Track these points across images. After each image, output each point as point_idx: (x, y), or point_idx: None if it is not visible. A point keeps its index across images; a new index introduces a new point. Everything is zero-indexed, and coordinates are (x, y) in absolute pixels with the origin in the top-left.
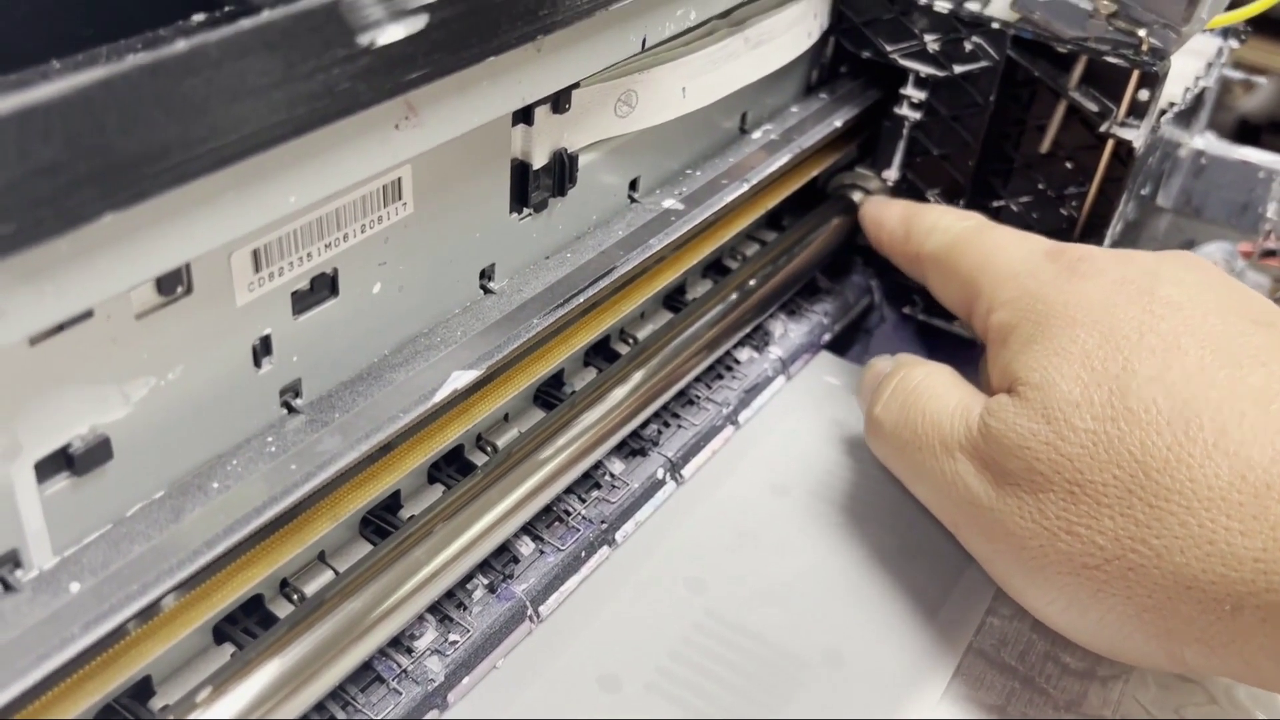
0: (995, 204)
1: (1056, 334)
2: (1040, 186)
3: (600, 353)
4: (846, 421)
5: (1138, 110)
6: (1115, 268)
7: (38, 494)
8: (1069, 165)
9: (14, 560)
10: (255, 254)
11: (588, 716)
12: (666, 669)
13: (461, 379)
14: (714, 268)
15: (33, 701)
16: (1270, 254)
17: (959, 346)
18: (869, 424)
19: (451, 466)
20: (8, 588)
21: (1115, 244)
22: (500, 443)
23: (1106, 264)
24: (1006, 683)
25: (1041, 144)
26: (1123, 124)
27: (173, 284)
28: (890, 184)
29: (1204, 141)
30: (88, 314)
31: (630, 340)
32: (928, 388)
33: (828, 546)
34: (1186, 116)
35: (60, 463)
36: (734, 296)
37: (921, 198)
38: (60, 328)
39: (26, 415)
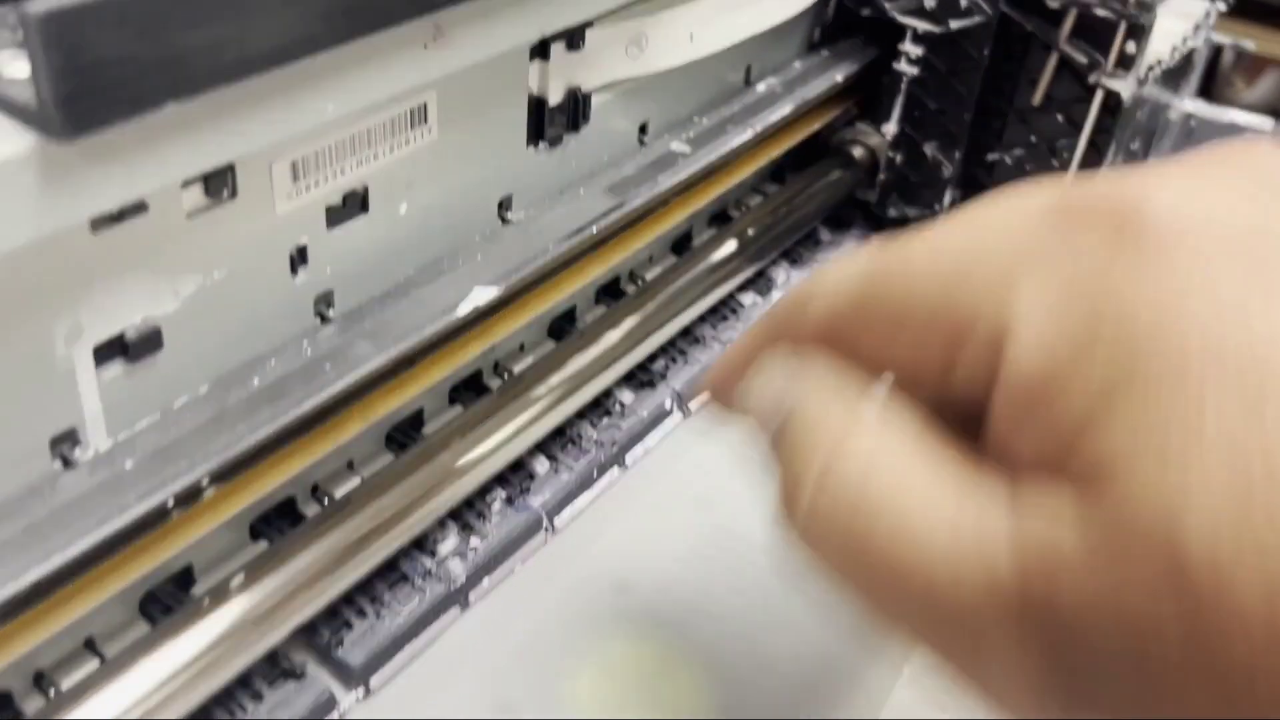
0: (990, 156)
1: (1160, 381)
2: (1032, 139)
3: (610, 293)
4: None
5: (1125, 62)
6: (1204, 213)
7: (95, 377)
8: (1060, 118)
9: (73, 439)
10: (294, 165)
11: (600, 619)
12: (678, 576)
13: (482, 295)
14: (719, 218)
15: (91, 569)
16: None
17: None
18: (790, 535)
19: (470, 391)
20: (67, 464)
21: None
22: (516, 369)
23: (1179, 210)
24: None
25: (1034, 97)
26: (1111, 75)
27: (219, 186)
28: (889, 138)
29: (1193, 105)
30: (143, 207)
31: (639, 281)
32: (888, 491)
33: None
34: (1175, 79)
35: (116, 349)
36: (737, 241)
37: (919, 150)
38: (120, 218)
39: (87, 300)
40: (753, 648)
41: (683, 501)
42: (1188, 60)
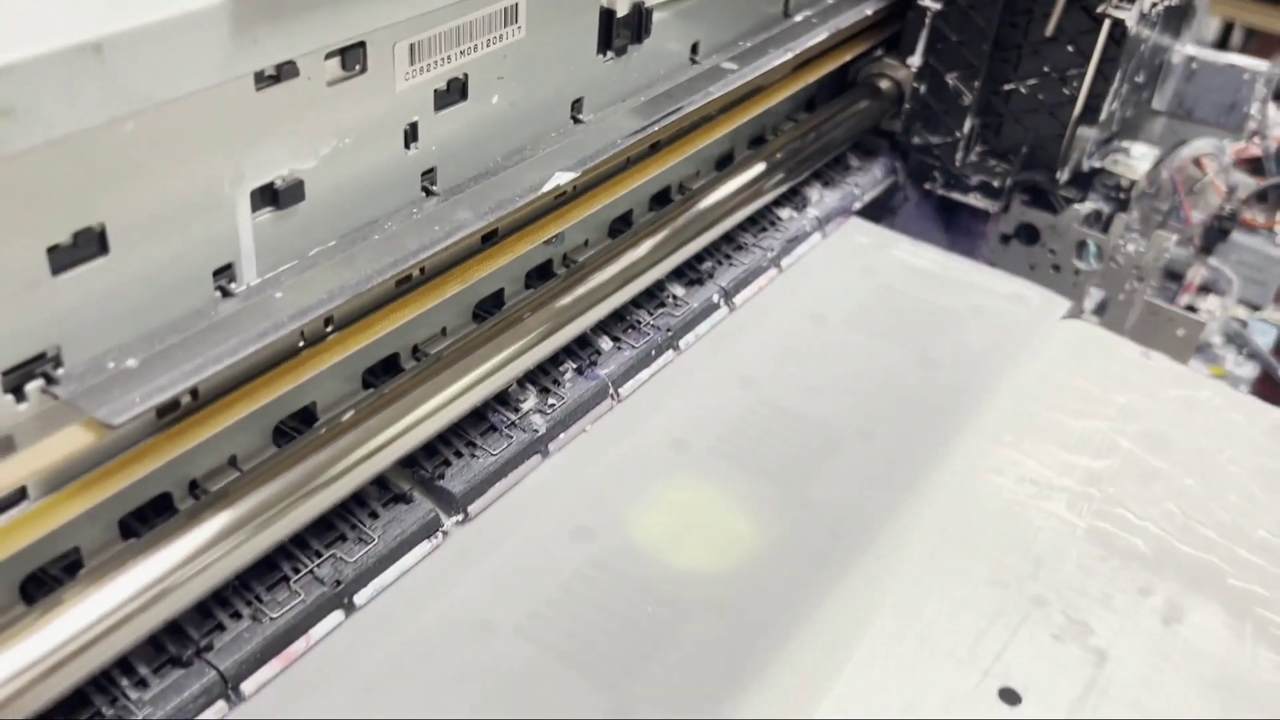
0: (1006, 86)
1: None
2: (1045, 69)
3: (661, 200)
4: (875, 269)
5: None
6: None
7: (250, 219)
8: (1070, 48)
9: (230, 274)
10: (412, 47)
11: (661, 469)
12: (727, 437)
13: (563, 178)
14: (757, 141)
15: (239, 389)
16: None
17: (975, 219)
18: None
19: (541, 277)
20: (225, 294)
21: (1112, 136)
22: (580, 259)
23: None
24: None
25: (1047, 28)
26: (1117, 6)
27: (354, 60)
28: (914, 69)
29: (1194, 49)
30: (295, 71)
31: (686, 190)
32: None
33: (861, 360)
34: (1177, 22)
35: (267, 196)
36: (772, 159)
37: (941, 81)
38: (278, 77)
39: (248, 149)
40: (793, 496)
41: (729, 381)
42: (1189, 3)
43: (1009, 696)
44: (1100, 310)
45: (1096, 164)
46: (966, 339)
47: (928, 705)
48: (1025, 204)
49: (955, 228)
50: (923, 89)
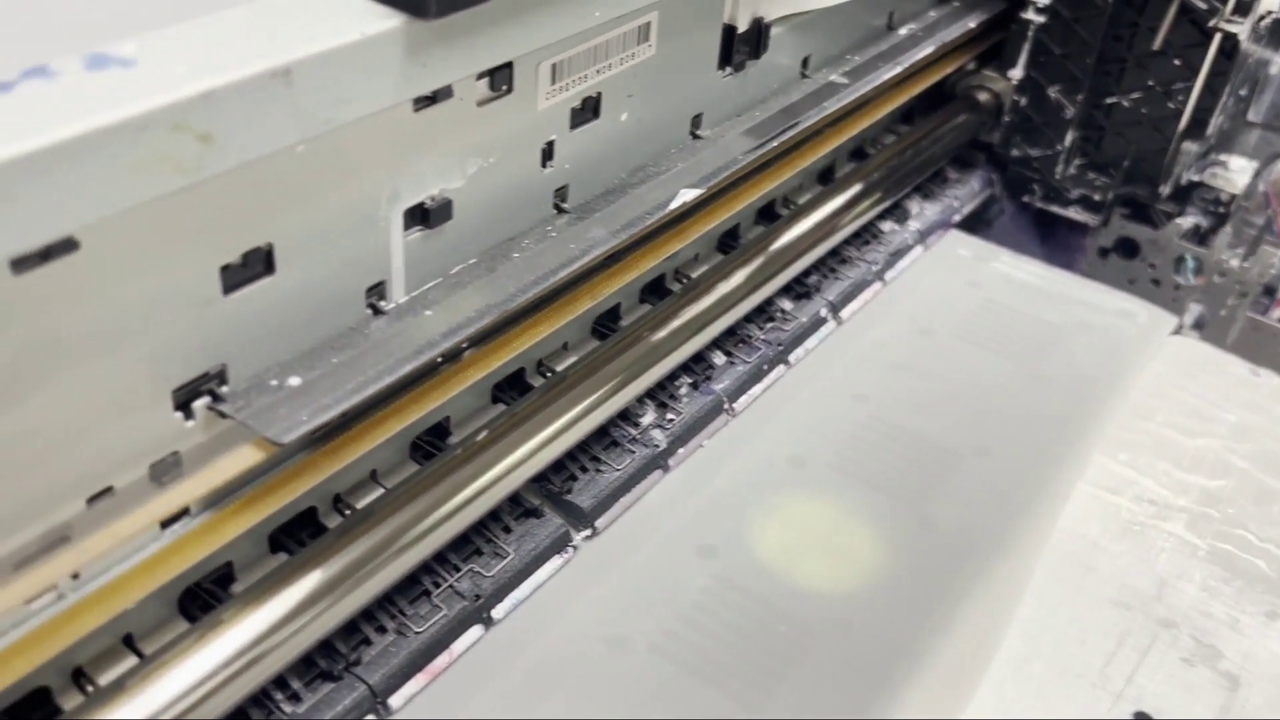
0: (1108, 100)
1: None
2: (1150, 83)
3: (766, 215)
4: (979, 282)
5: (1242, 8)
6: None
7: (402, 238)
8: (1177, 62)
9: (381, 291)
10: (554, 67)
11: (779, 485)
12: (842, 453)
13: (688, 194)
14: (857, 154)
15: (395, 400)
16: None
17: (1072, 232)
18: None
19: (653, 294)
20: (376, 311)
21: (1210, 149)
22: (693, 275)
23: None
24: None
25: (1154, 42)
26: (1229, 20)
27: (501, 81)
28: (1015, 82)
29: None
30: (450, 92)
31: (791, 204)
32: None
33: (971, 374)
34: (1276, 36)
35: (417, 216)
36: (875, 174)
37: (1043, 94)
38: (434, 99)
39: (404, 171)
40: (913, 514)
41: (841, 396)
42: None
43: None
44: (1199, 325)
45: (1194, 178)
46: (1075, 355)
47: None
48: (1125, 218)
49: (1051, 241)
50: (1023, 102)
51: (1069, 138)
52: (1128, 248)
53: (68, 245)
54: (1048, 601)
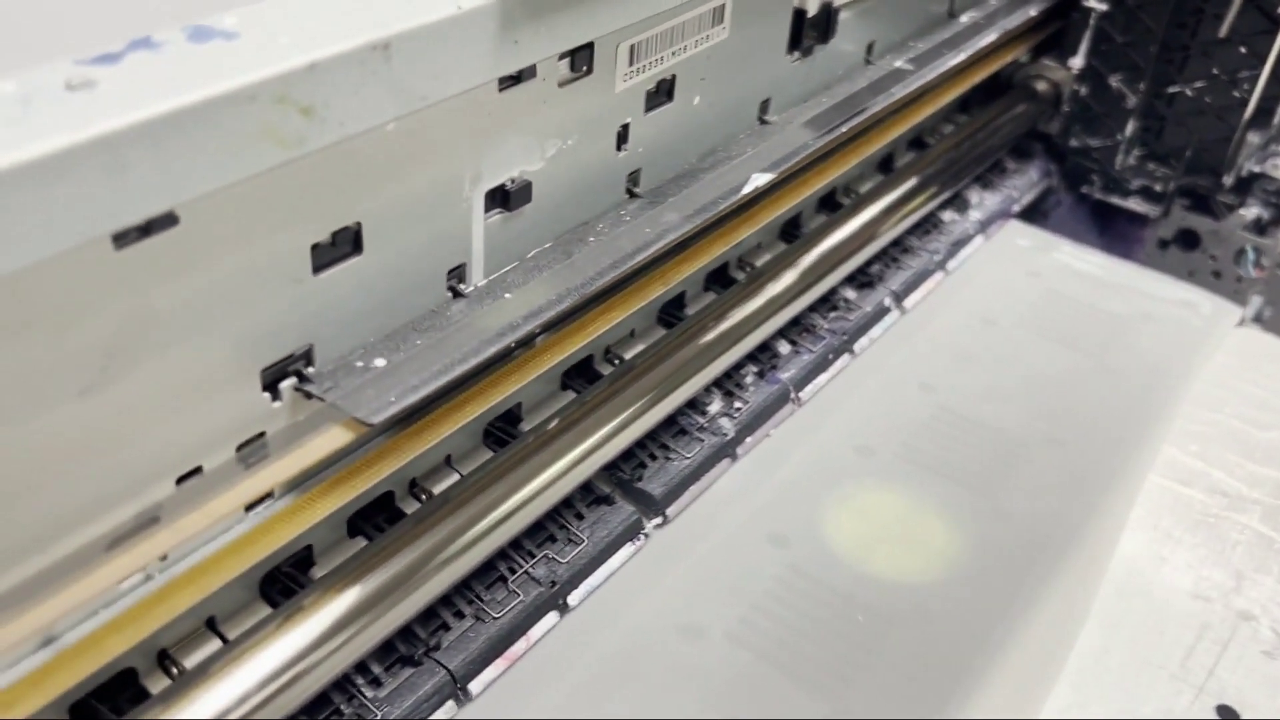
0: (1171, 89)
1: None
2: (1214, 71)
3: (827, 204)
4: (1040, 272)
5: None
6: None
7: (483, 221)
8: (1243, 50)
9: (461, 274)
10: (632, 48)
11: (849, 474)
12: (911, 443)
13: (761, 179)
14: (915, 143)
15: (472, 385)
16: None
17: (1131, 223)
18: None
19: (717, 282)
20: (456, 294)
21: (1273, 139)
22: (757, 263)
23: None
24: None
25: (1219, 30)
26: None
27: (582, 62)
28: (1075, 71)
29: None
30: (534, 72)
31: (852, 193)
32: None
33: (1036, 364)
34: None
35: (498, 198)
36: (939, 161)
37: (1104, 83)
38: (519, 79)
39: (487, 152)
40: (986, 503)
41: (907, 385)
42: None
43: (1227, 713)
44: (1260, 318)
45: (1257, 168)
46: (1140, 345)
47: None
48: (1186, 209)
49: (1110, 232)
50: (1083, 91)
51: (1130, 127)
52: (1188, 239)
53: (168, 220)
54: (1124, 593)
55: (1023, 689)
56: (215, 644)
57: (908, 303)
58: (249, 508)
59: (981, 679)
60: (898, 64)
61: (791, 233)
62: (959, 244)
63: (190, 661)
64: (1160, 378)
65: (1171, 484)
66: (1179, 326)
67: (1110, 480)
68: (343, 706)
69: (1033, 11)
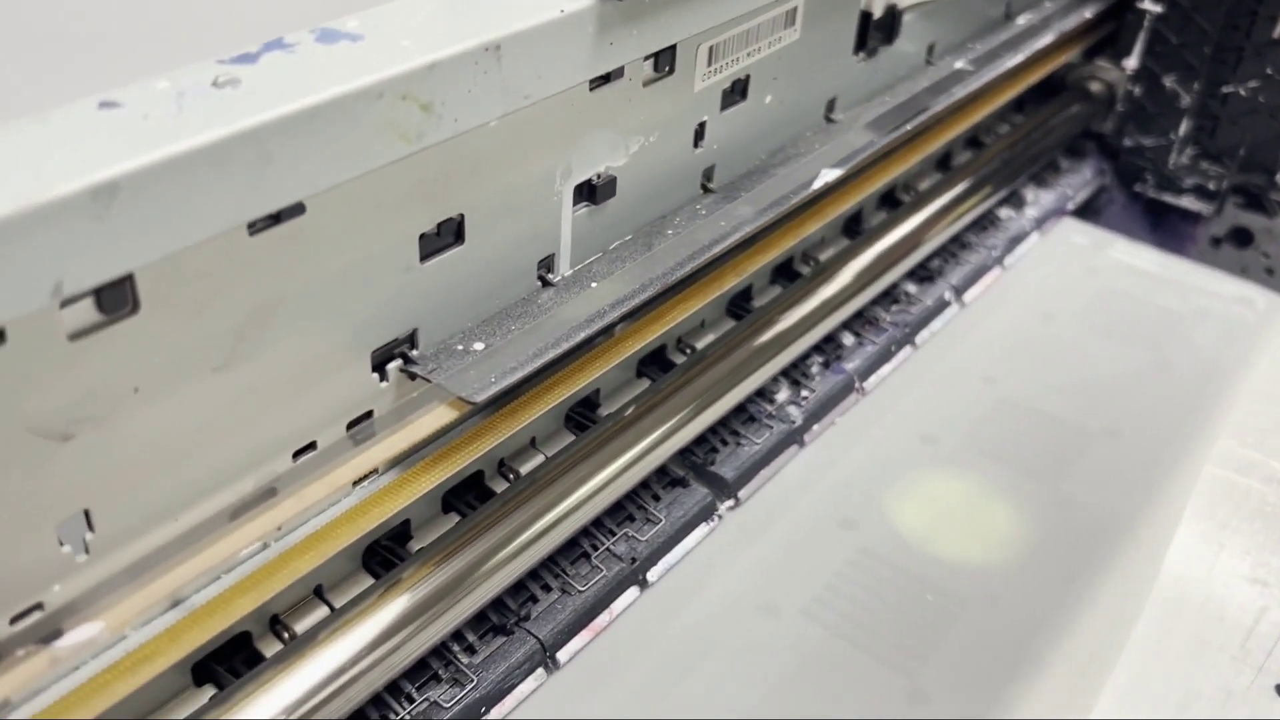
0: (1224, 89)
1: None
2: (1268, 71)
3: (888, 200)
4: (1096, 269)
5: None
6: None
7: (571, 214)
8: None
9: (550, 264)
10: (711, 49)
11: (914, 462)
12: (974, 433)
13: (830, 174)
14: (972, 142)
15: (558, 371)
16: None
17: (1184, 221)
18: None
19: (784, 276)
20: (545, 284)
21: None
22: (821, 258)
23: None
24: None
25: (1274, 31)
26: None
27: (665, 62)
28: (1130, 71)
29: None
30: (621, 72)
31: (912, 190)
32: None
33: (1095, 358)
34: None
35: (584, 192)
36: (997, 159)
37: (1158, 83)
38: (607, 79)
39: (577, 148)
40: (1048, 491)
41: (969, 377)
42: None
43: None
44: None
45: None
46: (1196, 340)
47: (1204, 701)
48: (1239, 207)
49: (1162, 229)
50: (1137, 91)
51: (1184, 126)
52: (1241, 237)
53: (296, 209)
54: (1183, 579)
55: (1085, 668)
56: (323, 611)
57: (967, 297)
58: (355, 483)
59: (1046, 658)
60: (957, 65)
61: (854, 228)
62: (1016, 240)
63: (300, 627)
64: (1216, 371)
65: (1229, 474)
66: (1234, 322)
67: (1168, 470)
68: (440, 671)
69: (1088, 13)
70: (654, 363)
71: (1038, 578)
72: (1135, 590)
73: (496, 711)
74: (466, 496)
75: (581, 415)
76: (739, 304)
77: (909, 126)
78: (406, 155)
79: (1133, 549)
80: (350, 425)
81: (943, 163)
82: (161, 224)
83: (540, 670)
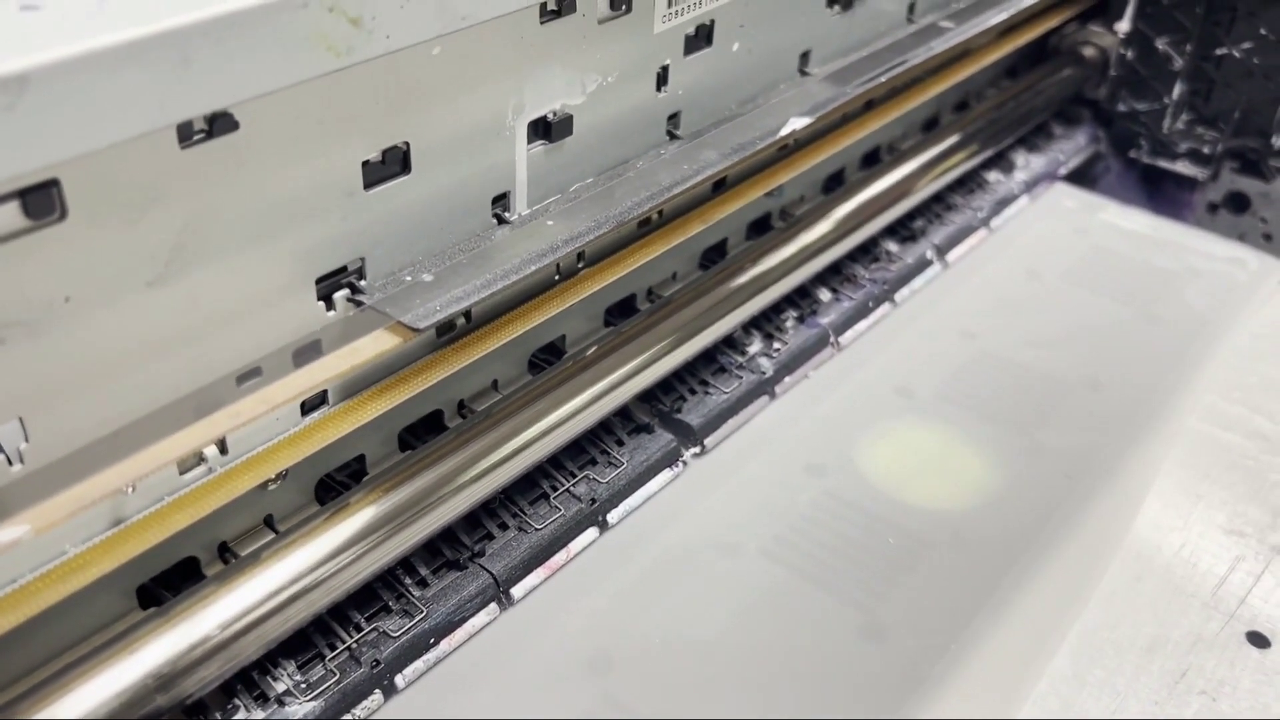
0: (1218, 51)
1: None
2: (1262, 31)
3: (870, 161)
4: (1086, 230)
5: None
6: None
7: (526, 151)
8: None
9: (506, 203)
10: None
11: (887, 412)
12: (951, 384)
13: (798, 123)
14: (961, 107)
15: (514, 309)
16: None
17: (1180, 187)
18: None
19: (759, 233)
20: (501, 221)
21: None
22: (797, 213)
23: None
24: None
25: None
26: None
27: (621, 0)
28: (1122, 35)
29: None
30: (574, 7)
31: (896, 150)
32: None
33: (1081, 314)
34: None
35: (541, 130)
36: (980, 121)
37: (1151, 46)
38: (559, 12)
39: (529, 82)
40: (1023, 440)
41: (949, 331)
42: None
43: (1257, 640)
44: None
45: None
46: (1185, 298)
47: (1174, 644)
48: (1235, 171)
49: (1159, 196)
50: (1130, 55)
51: (1177, 90)
52: (1238, 202)
53: (229, 123)
54: (1159, 526)
55: (1051, 610)
56: (271, 537)
57: (950, 256)
58: (305, 412)
59: (1010, 600)
60: (939, 21)
61: (834, 188)
62: (1003, 203)
63: (246, 552)
64: (1204, 328)
65: (1212, 429)
66: (1225, 281)
67: (1148, 421)
68: (391, 603)
69: None
70: (622, 312)
71: (1006, 523)
72: (1108, 537)
73: (446, 644)
74: (426, 437)
75: (545, 361)
76: (713, 258)
77: (884, 78)
78: (338, 69)
79: (1107, 497)
80: (296, 355)
81: (930, 126)
82: (76, 121)
83: (493, 605)
